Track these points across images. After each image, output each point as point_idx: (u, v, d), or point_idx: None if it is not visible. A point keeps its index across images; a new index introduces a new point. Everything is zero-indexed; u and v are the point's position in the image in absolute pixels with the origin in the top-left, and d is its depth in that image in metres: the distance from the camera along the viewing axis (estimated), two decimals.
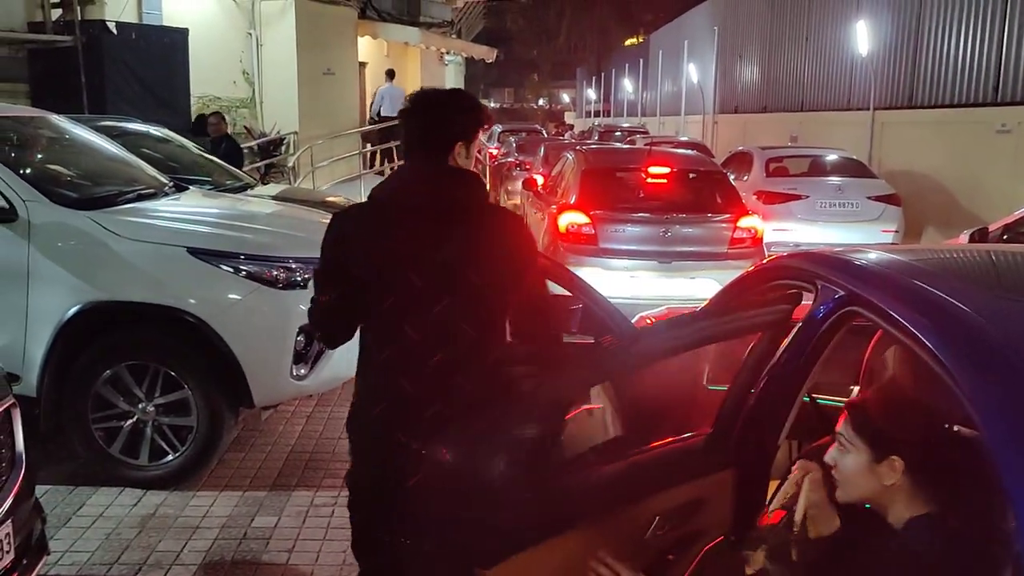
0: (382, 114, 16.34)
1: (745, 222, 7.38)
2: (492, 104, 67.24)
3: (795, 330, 2.22)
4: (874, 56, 15.52)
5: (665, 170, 7.72)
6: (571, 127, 40.11)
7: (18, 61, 11.77)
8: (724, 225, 7.44)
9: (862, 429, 1.81)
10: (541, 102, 75.91)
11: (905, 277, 1.97)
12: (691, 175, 8.11)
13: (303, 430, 5.32)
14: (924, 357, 1.59)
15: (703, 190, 7.95)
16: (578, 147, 9.97)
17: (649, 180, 7.62)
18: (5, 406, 2.89)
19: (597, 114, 49.17)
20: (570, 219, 7.41)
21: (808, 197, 10.73)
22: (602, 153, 9.79)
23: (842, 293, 2.04)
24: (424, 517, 2.11)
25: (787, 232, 10.30)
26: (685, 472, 2.28)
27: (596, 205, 7.48)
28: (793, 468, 2.05)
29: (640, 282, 7.23)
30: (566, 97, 71.25)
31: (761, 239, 7.55)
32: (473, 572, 2.01)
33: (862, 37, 15.53)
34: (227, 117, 14.19)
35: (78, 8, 12.13)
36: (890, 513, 1.80)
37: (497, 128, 27.52)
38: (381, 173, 15.77)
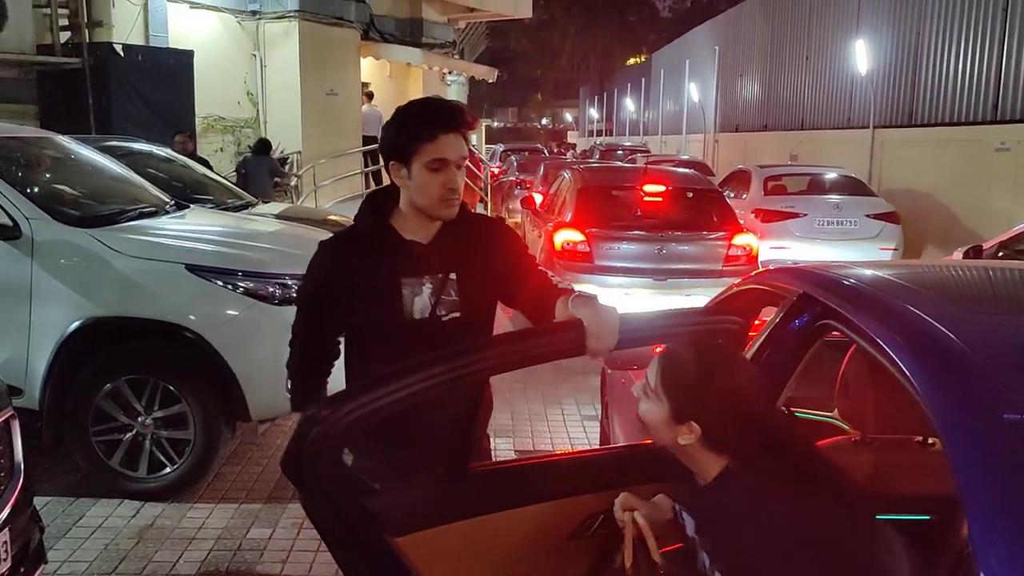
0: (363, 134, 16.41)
1: (740, 239, 7.44)
2: (495, 124, 67.53)
3: (764, 340, 2.26)
4: (874, 75, 15.63)
5: (660, 188, 7.79)
6: (573, 146, 40.19)
7: (27, 83, 11.93)
8: (719, 243, 7.49)
9: (670, 388, 1.80)
10: (544, 121, 76.28)
11: (876, 290, 2.02)
12: (687, 193, 8.17)
13: None
14: (889, 367, 1.63)
15: (698, 208, 8.01)
16: (575, 166, 10.06)
17: (645, 198, 7.69)
18: (4, 417, 2.96)
19: (600, 133, 49.21)
20: (566, 237, 7.48)
21: (806, 215, 10.77)
22: (598, 171, 9.88)
23: (818, 306, 2.08)
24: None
25: (785, 250, 10.34)
26: (636, 475, 2.21)
27: (591, 223, 7.55)
28: (617, 505, 1.93)
29: (635, 299, 7.27)
30: (569, 116, 71.60)
31: (756, 256, 7.61)
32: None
33: (862, 56, 15.64)
34: (232, 136, 14.39)
35: (86, 31, 12.32)
36: (697, 467, 1.81)
37: (499, 147, 27.81)
38: None
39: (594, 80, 61.53)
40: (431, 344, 1.90)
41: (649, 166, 8.45)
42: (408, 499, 2.01)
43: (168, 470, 4.54)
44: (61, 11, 12.36)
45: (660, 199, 7.76)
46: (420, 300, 2.24)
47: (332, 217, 8.48)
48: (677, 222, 7.68)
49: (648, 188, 7.70)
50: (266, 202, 8.49)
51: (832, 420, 2.54)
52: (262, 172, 11.69)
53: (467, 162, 2.32)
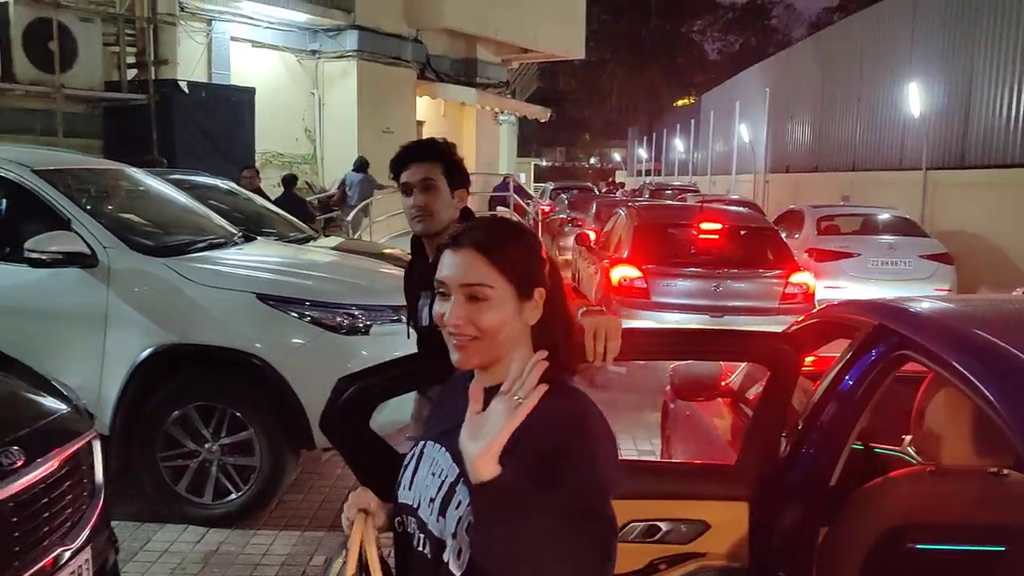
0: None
1: (797, 278, 7.38)
2: (544, 162, 67.93)
3: (838, 372, 2.26)
4: (926, 117, 15.48)
5: (717, 226, 7.78)
6: (622, 185, 40.32)
7: (94, 118, 12.38)
8: (775, 281, 7.45)
9: (504, 260, 1.48)
10: (592, 161, 76.54)
11: (954, 320, 2.02)
12: (742, 231, 8.15)
13: None
14: (970, 395, 1.63)
15: (754, 246, 7.99)
16: (631, 203, 10.09)
17: (701, 235, 7.68)
18: (88, 439, 3.05)
19: (648, 173, 49.29)
20: (623, 273, 7.49)
21: (860, 255, 10.68)
22: (654, 209, 9.92)
23: (895, 337, 2.08)
24: None
25: (839, 290, 10.23)
26: (694, 490, 2.34)
27: (648, 259, 7.55)
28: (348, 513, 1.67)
29: None
30: (617, 156, 71.76)
31: (813, 295, 7.54)
32: None
33: (915, 98, 15.52)
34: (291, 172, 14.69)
35: (152, 68, 12.75)
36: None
37: (549, 185, 27.96)
38: None
39: (642, 120, 61.76)
40: (437, 346, 1.87)
41: (704, 204, 8.45)
42: None
43: (233, 496, 4.58)
44: (129, 50, 12.84)
45: (716, 236, 7.74)
46: (425, 310, 2.68)
47: (388, 251, 8.61)
48: (733, 259, 7.66)
49: (704, 225, 7.69)
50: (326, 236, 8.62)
51: (902, 455, 2.53)
52: (364, 186, 13.17)
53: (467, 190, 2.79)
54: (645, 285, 7.41)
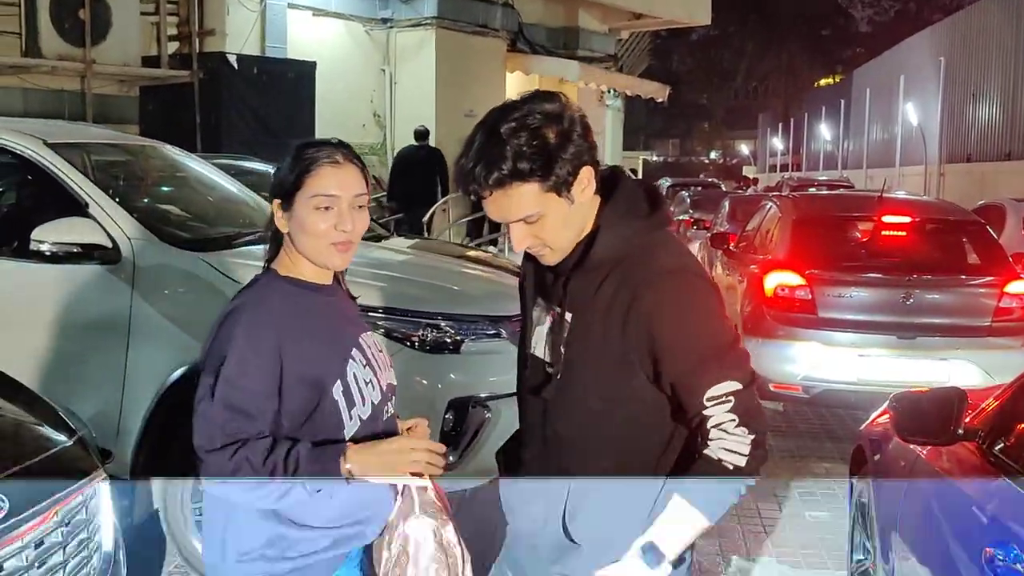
0: None
1: (1016, 287, 6.74)
2: (653, 157, 67.60)
3: None
4: None
5: (903, 219, 7.23)
6: (755, 181, 39.95)
7: (129, 100, 12.52)
8: (985, 290, 6.85)
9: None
10: (713, 155, 75.78)
11: None
12: (938, 226, 7.59)
13: None
14: None
15: (955, 246, 7.45)
16: (783, 195, 9.56)
17: (883, 232, 7.12)
18: (95, 482, 2.75)
19: (784, 168, 49.41)
20: (779, 280, 6.96)
21: None
22: (818, 199, 9.37)
23: None
24: None
25: None
26: None
27: (813, 263, 7.01)
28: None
29: (872, 363, 6.68)
30: (744, 149, 70.87)
31: None
32: None
33: None
34: None
35: (196, 41, 12.83)
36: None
37: (665, 182, 27.58)
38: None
39: (776, 105, 60.87)
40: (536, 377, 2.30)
41: (885, 193, 7.86)
42: None
43: None
44: (170, 19, 12.96)
45: (904, 233, 7.18)
46: (541, 330, 2.39)
47: (472, 253, 8.30)
48: (927, 263, 7.08)
49: (888, 219, 7.12)
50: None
51: None
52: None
53: None
54: (810, 296, 6.85)
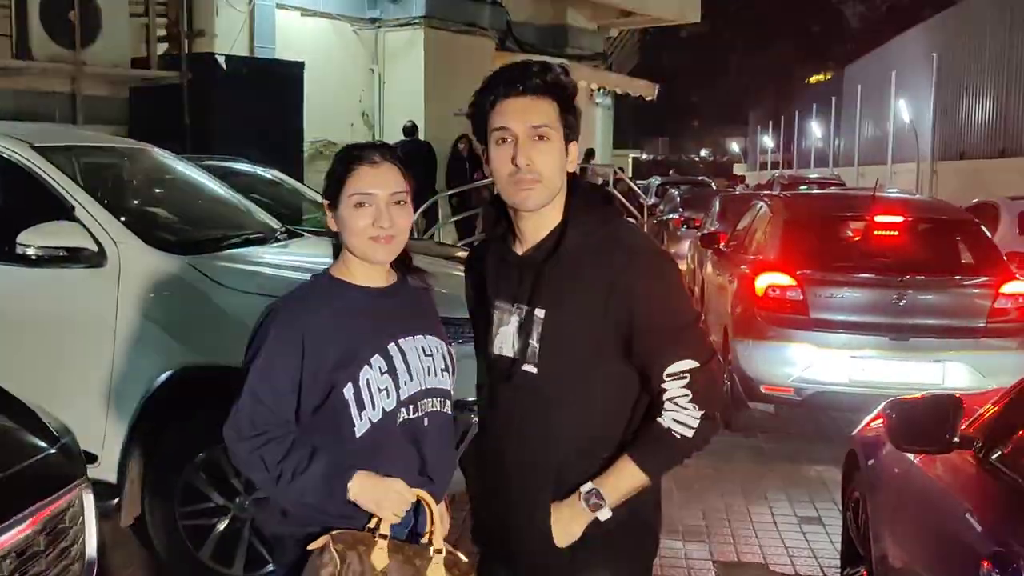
0: None
1: (1011, 287, 6.74)
2: (643, 155, 67.61)
3: None
4: None
5: (896, 219, 7.24)
6: (743, 179, 40.08)
7: (119, 102, 12.48)
8: (980, 291, 6.85)
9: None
10: (703, 153, 75.79)
11: None
12: (931, 225, 7.61)
13: None
14: None
15: (948, 245, 7.45)
16: (774, 194, 9.56)
17: (875, 231, 7.13)
18: (78, 489, 2.73)
19: (775, 165, 49.42)
20: (771, 280, 6.96)
21: None
22: (808, 199, 9.37)
23: None
24: None
25: None
26: None
27: (804, 263, 7.01)
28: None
29: (865, 365, 6.67)
30: (735, 146, 70.90)
31: None
32: None
33: None
34: None
35: (185, 42, 12.80)
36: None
37: (655, 180, 27.61)
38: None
39: (767, 102, 60.90)
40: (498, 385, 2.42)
41: (877, 192, 7.86)
42: None
43: (270, 568, 4.24)
44: (159, 20, 12.94)
45: (897, 233, 7.18)
46: (505, 331, 2.43)
47: (460, 253, 8.28)
48: (921, 262, 7.08)
49: (880, 218, 7.12)
50: None
51: None
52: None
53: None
54: (801, 297, 6.84)
